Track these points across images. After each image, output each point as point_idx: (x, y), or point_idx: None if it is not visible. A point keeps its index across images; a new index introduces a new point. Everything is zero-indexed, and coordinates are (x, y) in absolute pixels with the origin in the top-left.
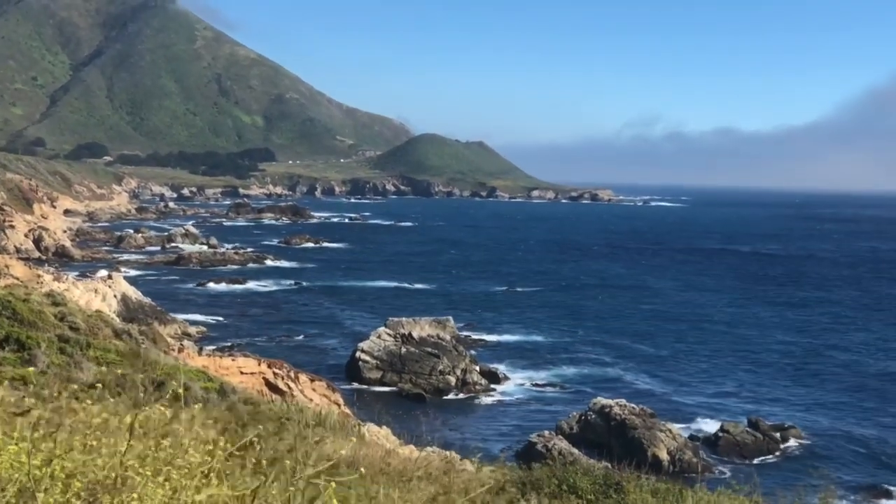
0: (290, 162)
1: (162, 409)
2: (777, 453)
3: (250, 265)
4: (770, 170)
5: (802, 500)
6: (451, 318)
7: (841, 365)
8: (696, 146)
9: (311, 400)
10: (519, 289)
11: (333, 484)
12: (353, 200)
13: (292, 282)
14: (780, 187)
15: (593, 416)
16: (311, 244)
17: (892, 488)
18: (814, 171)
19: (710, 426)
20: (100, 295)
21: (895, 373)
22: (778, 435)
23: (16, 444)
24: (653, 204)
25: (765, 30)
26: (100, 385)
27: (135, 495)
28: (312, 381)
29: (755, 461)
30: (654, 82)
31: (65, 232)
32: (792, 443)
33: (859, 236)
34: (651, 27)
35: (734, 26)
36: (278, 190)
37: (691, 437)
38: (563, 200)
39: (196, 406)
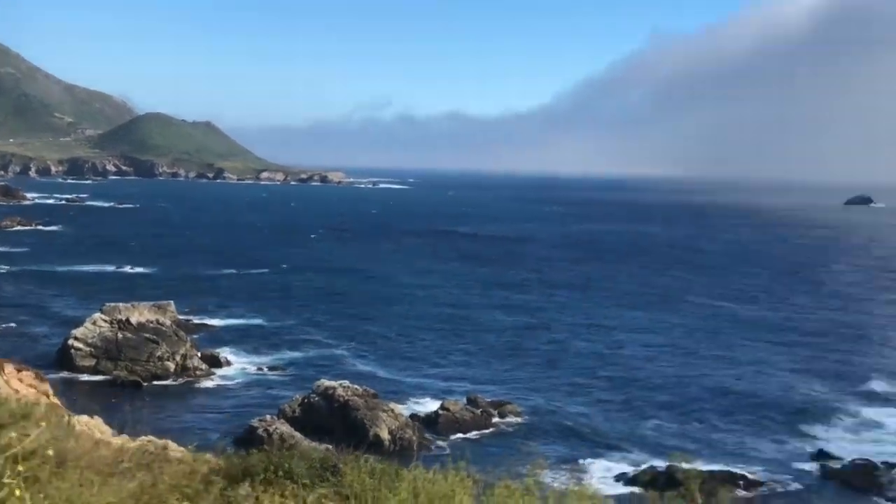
0: (2, 140)
1: None
2: (493, 428)
3: None
4: (496, 153)
5: (512, 471)
6: (172, 302)
7: (554, 343)
8: (426, 130)
9: (17, 391)
10: (244, 272)
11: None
12: (70, 181)
13: (1, 267)
14: (506, 170)
15: (316, 399)
16: (23, 227)
17: (593, 460)
18: (537, 155)
19: (431, 405)
20: None
21: (601, 351)
22: (495, 411)
23: None
24: (381, 186)
25: (489, 15)
26: None
27: None
28: (19, 371)
29: (473, 436)
30: (383, 65)
31: None
32: (509, 419)
33: (577, 219)
34: (379, 7)
35: (458, 10)
36: None
37: (413, 416)
38: (293, 183)
39: None
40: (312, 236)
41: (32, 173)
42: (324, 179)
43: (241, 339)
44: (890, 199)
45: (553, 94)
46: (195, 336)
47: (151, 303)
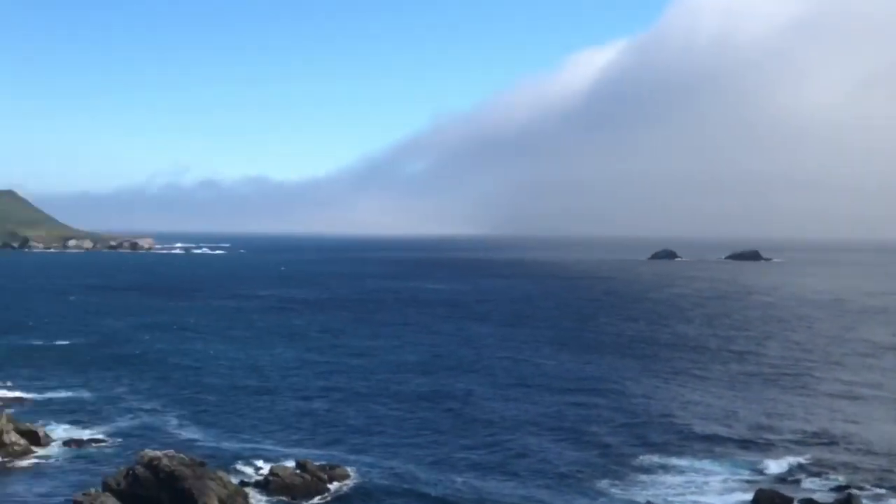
0: None
1: None
2: (327, 494)
3: None
4: (300, 216)
5: None
6: None
7: (384, 405)
8: (229, 194)
9: None
10: (56, 342)
11: None
12: None
13: None
14: (315, 232)
15: (141, 470)
16: None
17: None
18: (342, 216)
19: (260, 470)
20: None
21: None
22: (325, 476)
23: None
24: (198, 251)
25: (290, 80)
26: None
27: None
28: None
29: (307, 503)
30: (180, 131)
31: None
32: (341, 482)
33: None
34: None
35: (257, 76)
36: None
37: (242, 483)
38: (104, 250)
39: None
40: (127, 307)
41: None
42: (134, 246)
43: (62, 411)
44: (691, 253)
45: (353, 158)
46: (10, 409)
47: None
